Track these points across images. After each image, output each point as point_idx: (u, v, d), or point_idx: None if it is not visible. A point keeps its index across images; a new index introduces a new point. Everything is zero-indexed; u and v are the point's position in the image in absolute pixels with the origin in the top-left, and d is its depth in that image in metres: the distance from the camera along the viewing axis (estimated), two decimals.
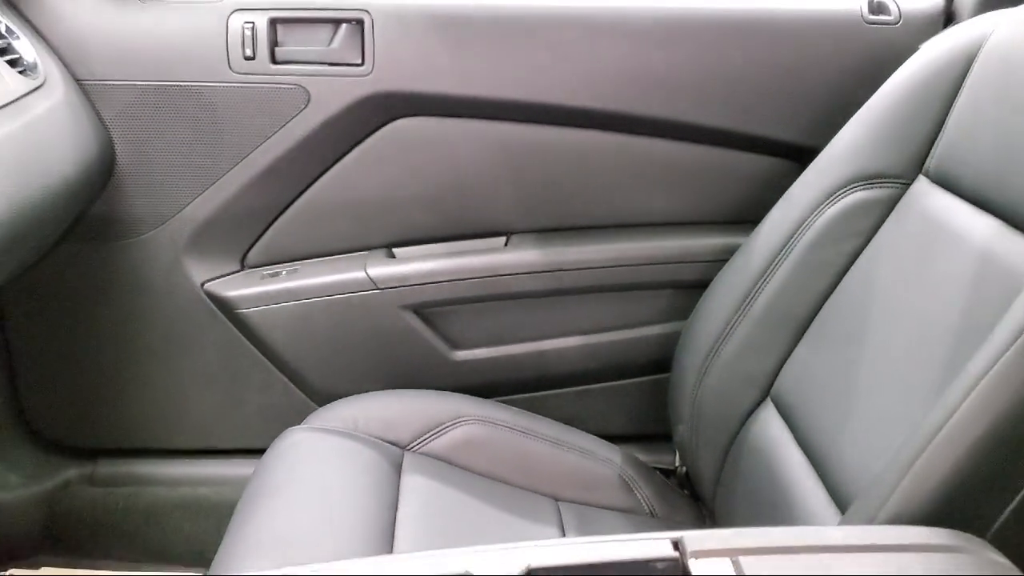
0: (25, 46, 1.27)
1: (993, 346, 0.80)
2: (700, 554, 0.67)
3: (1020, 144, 0.97)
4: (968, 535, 0.73)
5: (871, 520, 0.81)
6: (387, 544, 1.09)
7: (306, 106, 1.39)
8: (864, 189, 1.16)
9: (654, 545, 0.68)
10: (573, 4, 1.43)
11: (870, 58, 1.38)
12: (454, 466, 1.28)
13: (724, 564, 0.67)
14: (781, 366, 1.21)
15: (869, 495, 0.87)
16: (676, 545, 0.68)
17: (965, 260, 0.98)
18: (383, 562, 0.84)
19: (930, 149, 1.13)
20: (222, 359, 1.53)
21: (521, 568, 0.67)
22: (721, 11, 1.42)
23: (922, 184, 1.12)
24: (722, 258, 1.37)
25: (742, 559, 0.67)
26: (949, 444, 0.79)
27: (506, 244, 1.52)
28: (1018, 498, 0.78)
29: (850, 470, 1.01)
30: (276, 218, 1.49)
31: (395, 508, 1.16)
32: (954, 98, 1.12)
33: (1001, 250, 0.96)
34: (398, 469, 1.23)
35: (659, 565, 0.67)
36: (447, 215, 1.50)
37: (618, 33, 1.42)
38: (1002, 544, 0.74)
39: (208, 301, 1.48)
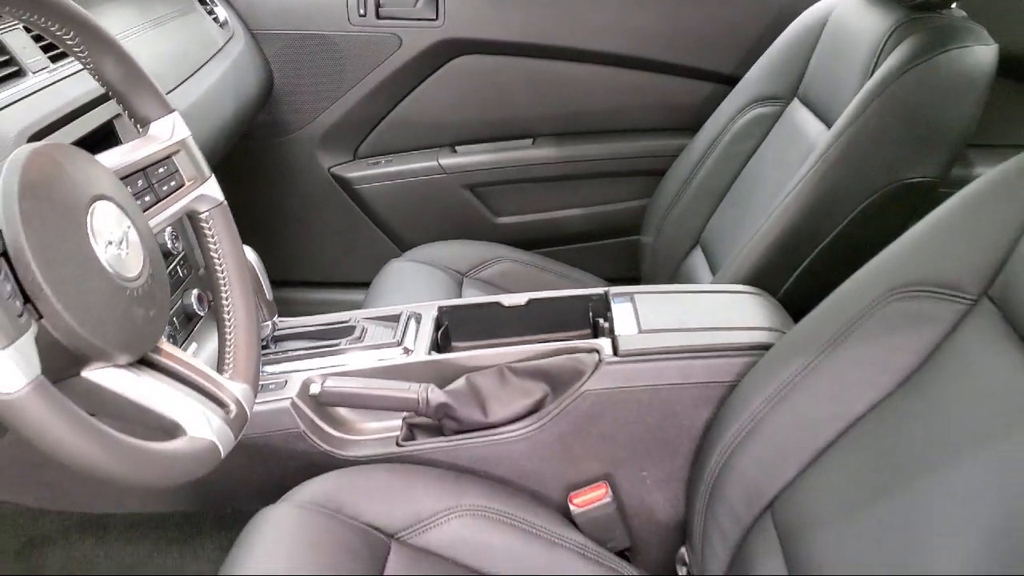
0: (220, 9, 1.81)
1: (795, 181, 1.34)
2: None
3: (840, 76, 1.47)
4: (760, 290, 1.28)
5: (723, 279, 1.38)
6: None
7: (399, 48, 1.91)
8: (760, 106, 1.68)
9: None
10: None
11: (779, 12, 1.84)
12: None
13: None
14: (707, 222, 1.74)
15: (726, 268, 1.43)
16: None
17: (802, 146, 1.49)
18: None
19: (801, 79, 1.62)
20: (340, 220, 2.07)
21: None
22: None
23: (795, 103, 1.63)
24: (675, 153, 1.86)
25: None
26: (763, 238, 1.34)
27: (533, 143, 2.03)
28: (797, 272, 1.34)
29: (727, 257, 1.47)
30: (377, 124, 2.01)
31: None
32: (814, 47, 1.61)
33: (817, 137, 1.41)
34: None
35: None
36: (492, 123, 2.01)
37: None
38: (788, 300, 1.28)
39: (332, 180, 2.02)
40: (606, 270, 2.02)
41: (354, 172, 2.02)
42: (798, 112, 1.59)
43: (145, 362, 0.74)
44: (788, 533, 0.93)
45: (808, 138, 1.48)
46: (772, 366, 1.03)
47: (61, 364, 0.64)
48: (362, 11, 1.89)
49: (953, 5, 1.34)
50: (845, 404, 0.94)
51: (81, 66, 0.85)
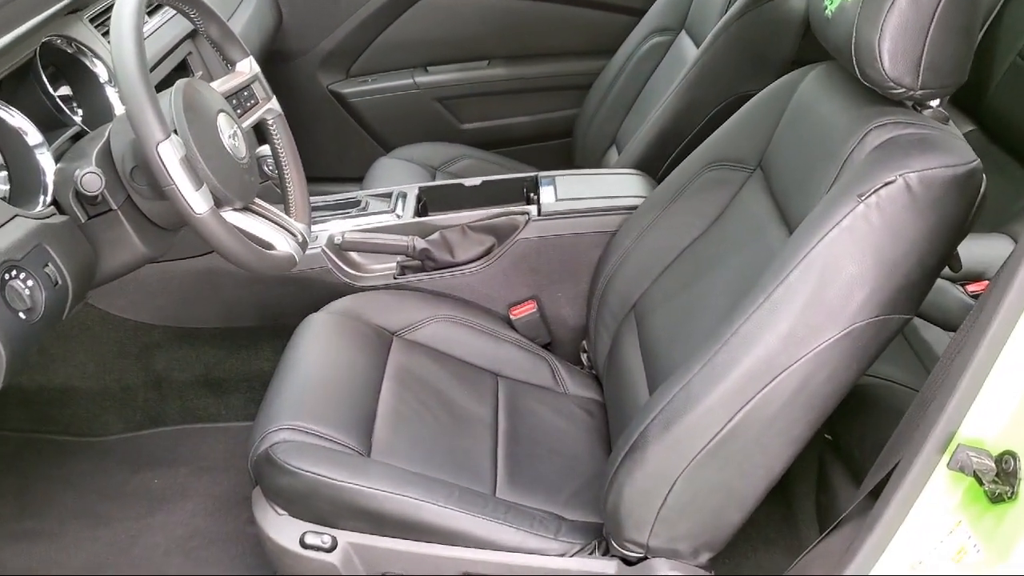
0: None
1: (668, 92, 1.79)
2: None
3: (708, 14, 1.88)
4: (640, 171, 1.74)
5: (619, 164, 1.84)
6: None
7: None
8: (659, 35, 2.11)
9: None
10: None
11: None
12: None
13: None
14: (620, 126, 2.18)
15: (622, 156, 1.88)
16: None
17: (683, 67, 1.91)
18: None
19: (687, 14, 2.03)
20: (337, 127, 2.46)
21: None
22: None
23: (683, 34, 2.05)
24: (597, 72, 2.26)
25: None
26: (646, 134, 1.79)
27: (488, 64, 2.44)
28: (670, 158, 1.80)
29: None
30: (365, 49, 2.40)
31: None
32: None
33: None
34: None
35: None
36: (457, 47, 2.40)
37: None
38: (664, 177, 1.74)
39: (330, 95, 2.43)
40: (546, 164, 2.32)
41: (347, 88, 2.42)
42: (684, 40, 2.02)
43: (248, 208, 1.20)
44: (641, 319, 1.42)
45: (687, 60, 1.91)
46: (637, 218, 1.51)
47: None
48: None
49: None
50: (678, 239, 1.42)
51: (182, 18, 1.26)
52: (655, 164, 1.81)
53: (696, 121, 1.77)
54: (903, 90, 1.02)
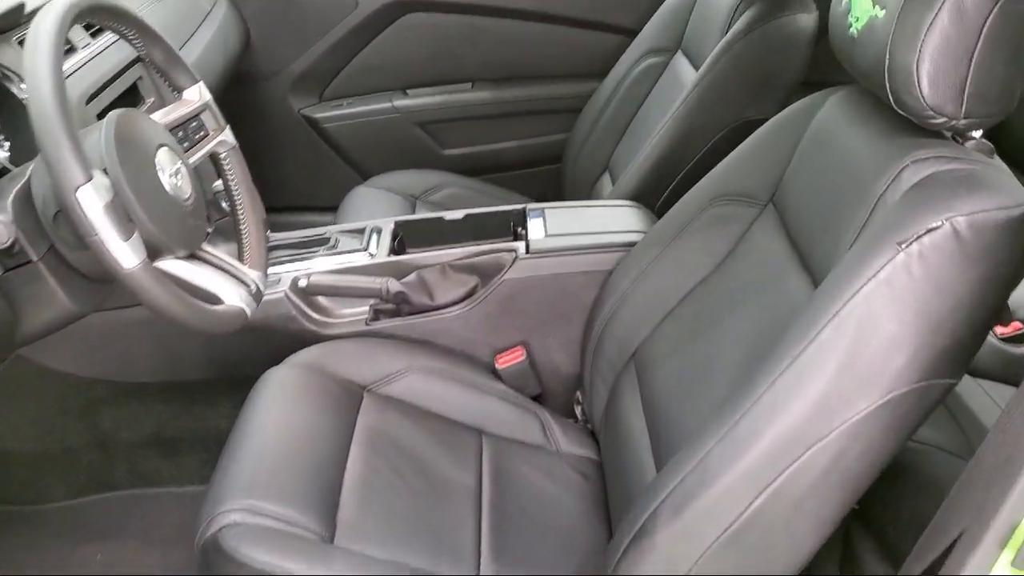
0: None
1: (666, 118, 1.67)
2: None
3: (707, 34, 1.77)
4: (636, 203, 1.62)
5: (614, 195, 1.70)
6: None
7: (355, 9, 2.18)
8: (653, 56, 1.99)
9: None
10: None
11: None
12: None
13: None
14: (613, 152, 2.06)
15: (617, 186, 1.75)
16: None
17: (680, 89, 1.79)
18: None
19: (683, 35, 1.93)
20: (310, 153, 2.34)
21: None
22: None
23: (679, 54, 1.94)
24: (588, 95, 2.16)
25: None
26: (643, 163, 1.67)
27: (472, 87, 2.32)
28: (668, 189, 1.68)
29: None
30: (340, 72, 2.28)
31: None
32: (692, 8, 1.91)
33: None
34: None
35: None
36: (437, 70, 2.29)
37: None
38: (662, 210, 1.61)
39: (303, 120, 2.30)
40: (534, 192, 2.29)
41: (321, 113, 2.30)
42: (680, 61, 1.91)
43: (194, 256, 1.06)
44: (643, 371, 1.29)
45: (685, 83, 1.81)
46: (636, 256, 1.38)
47: (149, 255, 0.97)
48: None
49: None
50: (682, 280, 1.29)
51: (127, 45, 1.14)
52: (652, 195, 1.69)
53: (696, 149, 1.66)
54: (944, 119, 0.90)
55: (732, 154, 1.30)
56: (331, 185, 2.32)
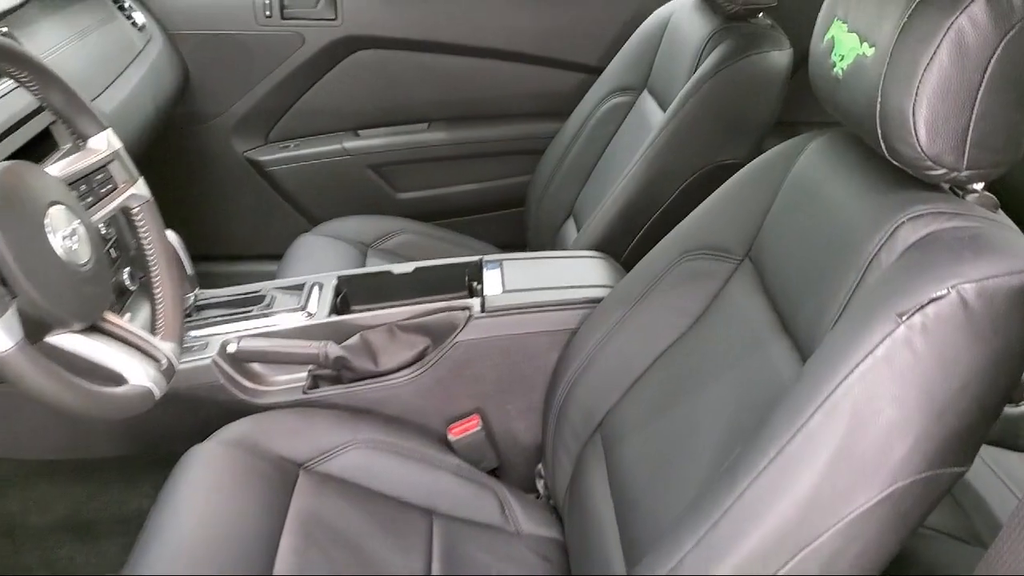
0: (138, 14, 1.95)
1: (633, 161, 1.56)
2: None
3: (674, 72, 1.69)
4: (603, 254, 1.51)
5: (578, 244, 1.60)
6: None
7: (303, 45, 2.08)
8: (619, 95, 1.90)
9: None
10: None
11: (636, 13, 2.04)
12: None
13: None
14: (578, 196, 1.96)
15: (581, 234, 1.64)
16: None
17: (647, 130, 1.69)
18: None
19: (649, 73, 1.84)
20: (255, 199, 2.23)
21: None
22: None
23: (645, 93, 1.85)
24: (551, 136, 2.07)
25: None
26: (609, 210, 1.56)
27: (428, 127, 2.22)
28: (636, 238, 1.57)
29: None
30: (286, 112, 2.17)
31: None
32: (659, 46, 1.83)
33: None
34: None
35: None
36: (390, 110, 2.19)
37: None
38: (629, 260, 1.51)
39: (247, 163, 2.19)
40: (496, 238, 2.22)
41: (266, 156, 2.19)
42: (647, 101, 1.82)
43: (95, 328, 0.94)
44: (610, 444, 1.18)
45: (653, 124, 1.71)
46: (601, 315, 1.27)
47: (34, 331, 0.84)
48: (268, 12, 2.05)
49: (760, 15, 1.59)
50: (652, 342, 1.19)
51: (26, 91, 1.02)
52: (619, 244, 1.59)
53: (665, 195, 1.56)
54: (943, 171, 0.80)
55: (704, 204, 1.20)
56: (277, 232, 2.21)
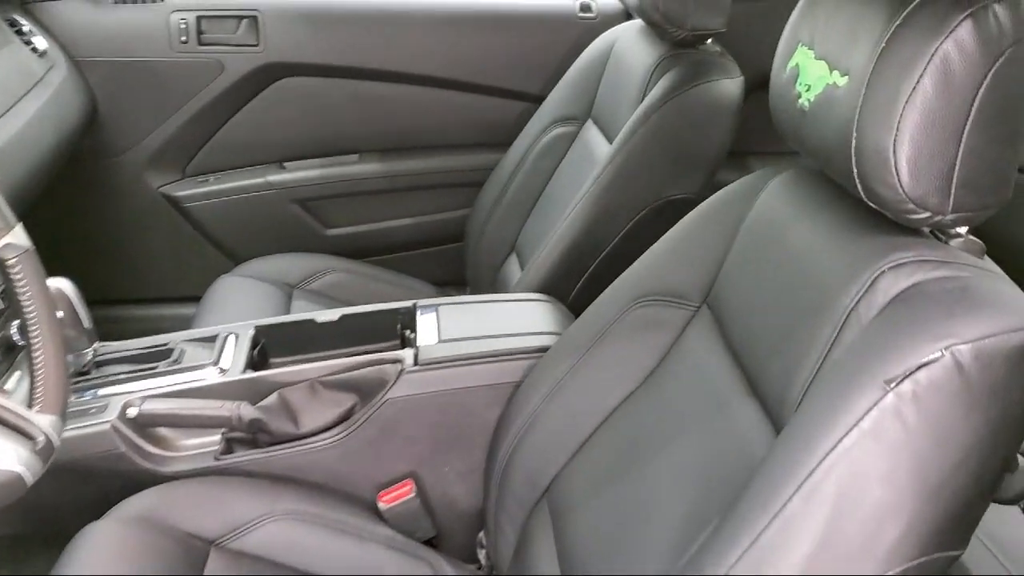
0: (39, 39, 1.81)
1: (578, 197, 1.47)
2: None
3: (620, 102, 1.61)
4: (548, 296, 1.42)
5: (521, 286, 1.49)
6: None
7: (222, 73, 1.96)
8: (561, 125, 1.82)
9: None
10: (396, 3, 2.01)
11: (578, 39, 1.98)
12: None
13: None
14: (520, 231, 1.86)
15: (524, 275, 1.54)
16: None
17: (592, 163, 1.61)
18: None
19: (593, 102, 1.76)
20: (172, 237, 2.08)
21: None
22: (488, 8, 2.02)
23: (589, 123, 1.77)
24: (491, 167, 1.97)
25: None
26: (554, 248, 1.47)
27: (358, 158, 2.11)
28: (583, 278, 1.48)
29: None
30: (204, 144, 2.04)
31: None
32: (602, 74, 1.75)
33: (603, 156, 1.47)
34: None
35: None
36: (318, 140, 2.08)
37: (426, 23, 2.02)
38: (576, 303, 1.41)
39: (163, 199, 2.05)
40: (434, 275, 2.12)
41: (183, 191, 2.05)
42: (591, 131, 1.74)
43: None
44: (558, 513, 1.08)
45: (597, 156, 1.63)
46: (547, 367, 1.17)
47: None
48: (184, 38, 1.93)
49: (708, 41, 1.52)
50: (602, 398, 1.09)
51: None
52: (565, 285, 1.50)
53: (613, 232, 1.47)
54: (927, 215, 0.72)
55: (656, 246, 1.12)
56: (196, 273, 2.06)
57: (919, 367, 0.65)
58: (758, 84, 1.56)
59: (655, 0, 1.46)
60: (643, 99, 1.49)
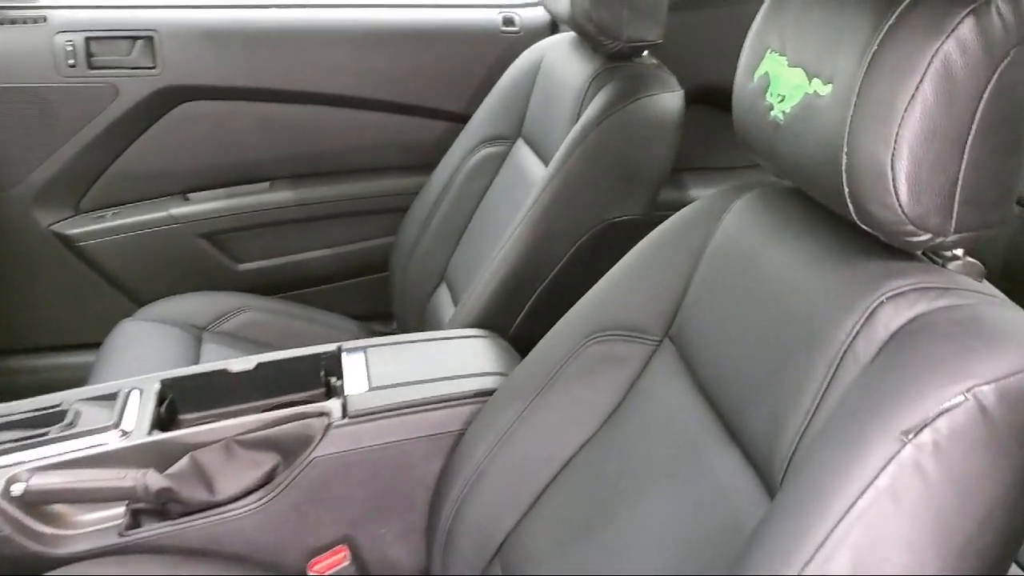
0: None
1: (515, 222, 1.38)
2: None
3: (553, 119, 1.54)
4: (489, 332, 1.32)
5: (456, 320, 1.40)
6: None
7: (116, 98, 1.82)
8: (489, 146, 1.73)
9: None
10: (308, 16, 1.90)
11: (502, 54, 1.91)
12: (238, 339, 1.64)
13: None
14: (450, 259, 1.76)
15: (459, 309, 1.44)
16: None
17: (526, 184, 1.53)
18: None
19: (523, 120, 1.68)
20: (66, 279, 1.92)
21: None
22: (405, 23, 1.94)
23: (520, 142, 1.69)
24: (415, 191, 1.88)
25: None
26: (491, 279, 1.38)
27: (270, 187, 1.99)
28: (524, 311, 1.39)
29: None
30: (99, 176, 1.89)
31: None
32: (531, 90, 1.68)
33: (537, 177, 1.43)
34: (199, 344, 1.58)
35: None
36: (225, 169, 1.95)
37: (341, 38, 1.91)
38: (518, 337, 1.32)
39: (54, 238, 1.89)
40: (358, 309, 2.02)
41: (77, 228, 1.90)
42: (522, 151, 1.66)
43: None
44: None
45: (530, 177, 1.55)
46: (493, 413, 1.07)
47: None
48: (72, 61, 1.78)
49: (644, 53, 1.45)
50: (558, 446, 1.00)
51: None
52: (505, 318, 1.40)
53: (555, 258, 1.39)
54: (927, 236, 0.65)
55: (609, 275, 1.03)
56: (94, 317, 1.92)
57: (939, 414, 0.57)
58: (695, 98, 1.52)
59: (587, 10, 1.39)
60: (579, 116, 1.41)
